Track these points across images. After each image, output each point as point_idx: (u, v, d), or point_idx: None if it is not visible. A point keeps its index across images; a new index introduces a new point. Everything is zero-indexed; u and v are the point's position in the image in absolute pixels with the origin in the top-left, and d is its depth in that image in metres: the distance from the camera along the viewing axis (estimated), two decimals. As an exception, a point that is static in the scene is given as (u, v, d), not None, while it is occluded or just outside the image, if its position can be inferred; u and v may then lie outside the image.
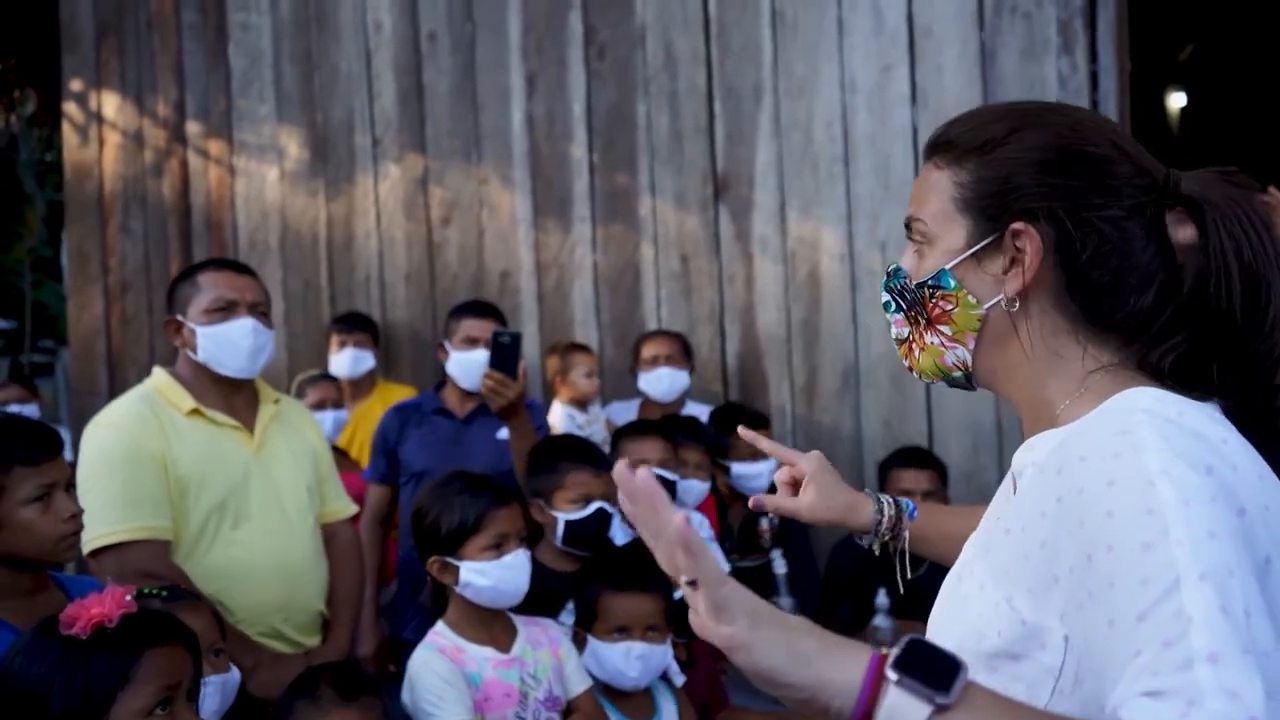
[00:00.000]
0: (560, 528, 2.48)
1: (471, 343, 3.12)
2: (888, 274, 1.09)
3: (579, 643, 2.25)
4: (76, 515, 1.84)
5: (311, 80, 4.61)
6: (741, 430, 1.51)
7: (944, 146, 1.04)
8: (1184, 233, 0.97)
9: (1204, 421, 0.90)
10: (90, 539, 2.27)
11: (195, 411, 2.43)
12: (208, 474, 2.38)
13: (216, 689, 1.87)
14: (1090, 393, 0.97)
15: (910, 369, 1.09)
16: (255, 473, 2.46)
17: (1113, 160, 0.97)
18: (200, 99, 4.81)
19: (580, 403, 3.65)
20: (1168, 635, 0.78)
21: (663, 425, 3.04)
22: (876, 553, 1.41)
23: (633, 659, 2.19)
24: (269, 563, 2.42)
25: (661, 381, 3.61)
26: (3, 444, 1.79)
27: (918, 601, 3.26)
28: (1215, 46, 7.13)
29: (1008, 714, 0.80)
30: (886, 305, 1.09)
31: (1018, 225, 0.97)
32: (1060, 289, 0.97)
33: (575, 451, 2.57)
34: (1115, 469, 0.85)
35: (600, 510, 2.49)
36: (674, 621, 2.34)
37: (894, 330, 1.09)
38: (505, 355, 2.73)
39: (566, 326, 4.21)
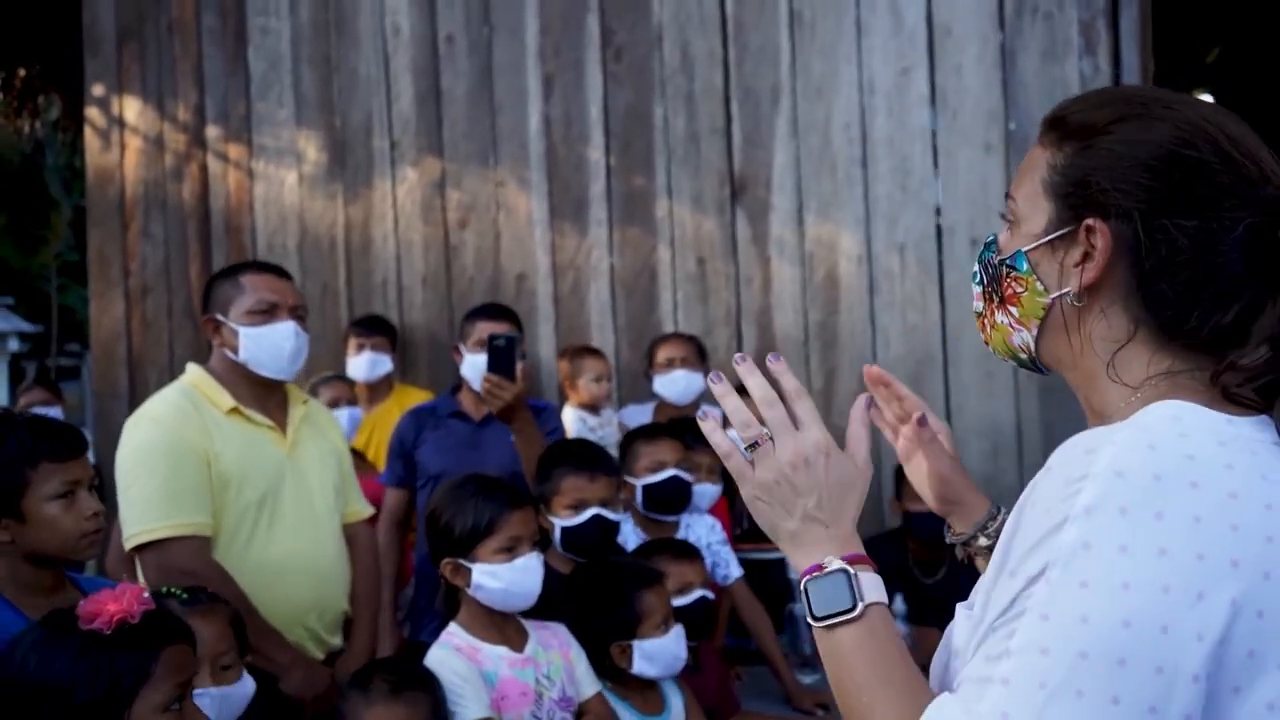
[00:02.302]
0: (557, 534, 2.47)
1: (485, 345, 3.11)
2: (985, 244, 1.07)
3: (622, 655, 2.23)
4: (98, 514, 1.87)
5: (330, 84, 4.63)
6: (868, 369, 1.30)
7: (1055, 125, 1.00)
8: None
9: (1212, 460, 0.85)
10: (132, 535, 2.31)
11: (234, 410, 2.46)
12: (247, 471, 2.41)
13: (216, 702, 1.84)
14: (1141, 399, 0.93)
15: (985, 343, 1.08)
16: (289, 473, 2.49)
17: (1212, 169, 0.91)
18: (220, 103, 4.83)
19: (591, 406, 3.63)
20: (983, 674, 0.83)
21: (675, 428, 3.02)
22: (960, 558, 1.31)
23: (683, 640, 2.26)
24: (302, 562, 2.46)
25: (677, 384, 3.59)
26: (31, 440, 1.82)
27: (933, 608, 3.22)
28: (1242, 48, 7.05)
29: (886, 652, 0.92)
30: (974, 275, 1.08)
31: (1091, 220, 0.94)
32: (1131, 291, 0.94)
33: (571, 457, 2.55)
34: (1054, 490, 0.84)
35: (597, 517, 2.46)
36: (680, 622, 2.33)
37: (974, 303, 1.08)
38: (502, 358, 2.74)
39: (583, 329, 4.20)
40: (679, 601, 2.44)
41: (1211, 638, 0.79)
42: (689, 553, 2.58)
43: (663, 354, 3.65)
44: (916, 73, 3.77)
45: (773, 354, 1.02)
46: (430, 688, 1.95)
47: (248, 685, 1.91)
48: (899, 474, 3.35)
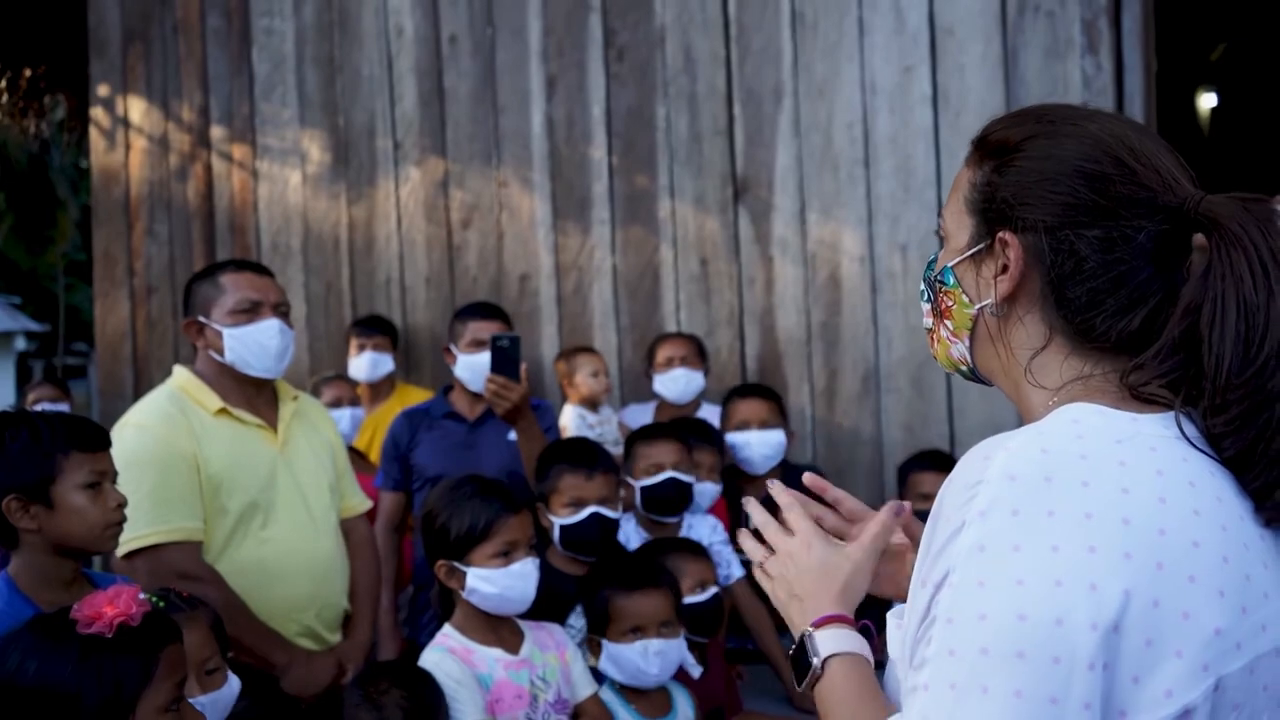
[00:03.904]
0: (555, 532, 2.47)
1: (479, 345, 3.12)
2: (928, 262, 1.12)
3: (594, 649, 2.24)
4: (123, 505, 1.90)
5: (333, 84, 4.64)
6: (808, 478, 1.31)
7: (978, 145, 1.05)
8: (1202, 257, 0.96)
9: (1106, 459, 0.87)
10: (124, 541, 2.28)
11: (222, 411, 2.45)
12: (237, 473, 2.40)
13: (206, 709, 1.84)
14: (1057, 404, 0.96)
15: (935, 358, 1.13)
16: (281, 471, 2.48)
17: (1111, 180, 0.95)
18: (224, 103, 4.84)
19: (590, 403, 3.64)
20: (913, 682, 0.87)
21: (676, 428, 3.02)
22: None
23: (651, 656, 2.19)
24: (298, 561, 2.45)
25: (677, 383, 3.60)
26: (62, 431, 1.87)
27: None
28: (1247, 46, 7.03)
29: (850, 696, 0.98)
30: (921, 293, 1.13)
31: (1004, 234, 0.99)
32: (1045, 300, 0.98)
33: (568, 455, 2.55)
34: (955, 498, 0.88)
35: (595, 515, 2.46)
36: (687, 622, 2.33)
37: (924, 319, 1.13)
38: (505, 359, 2.73)
39: (585, 329, 4.20)
40: (696, 598, 2.44)
41: (1104, 625, 0.81)
42: (701, 551, 2.60)
43: (663, 353, 3.65)
44: (919, 72, 3.76)
45: (771, 480, 1.20)
46: (440, 712, 1.96)
47: (234, 685, 1.91)
48: (901, 474, 3.36)
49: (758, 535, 1.16)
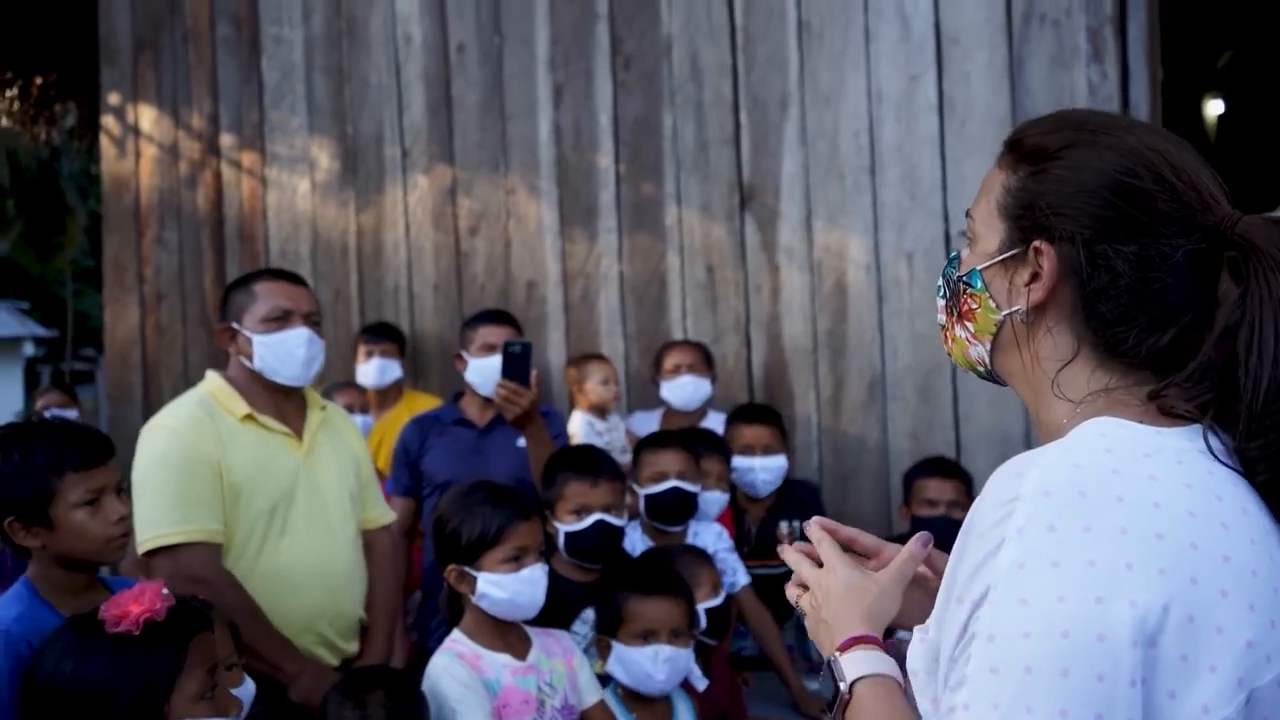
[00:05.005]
0: (561, 539, 2.48)
1: (490, 349, 3.14)
2: (949, 260, 1.11)
3: (603, 649, 2.25)
4: (125, 517, 1.91)
5: (342, 92, 4.66)
6: (816, 522, 1.31)
7: (1012, 147, 1.04)
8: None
9: (1136, 473, 0.88)
10: (144, 540, 2.33)
11: (249, 417, 2.48)
12: (259, 480, 2.43)
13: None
14: (1080, 415, 0.96)
15: (948, 355, 1.12)
16: (303, 479, 2.50)
17: (1153, 196, 0.94)
18: (234, 111, 4.88)
19: (599, 410, 3.65)
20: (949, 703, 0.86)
21: (684, 436, 3.03)
22: None
23: (660, 662, 2.20)
24: (313, 570, 2.46)
25: (683, 390, 3.61)
26: (56, 449, 1.86)
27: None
28: (1254, 53, 7.03)
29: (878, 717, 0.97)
30: (938, 289, 1.12)
31: (1039, 243, 0.98)
32: (1075, 312, 0.98)
33: (574, 462, 2.56)
34: (990, 515, 0.88)
35: (600, 523, 2.47)
36: (695, 629, 2.34)
37: (938, 315, 1.12)
38: (516, 364, 2.75)
39: (592, 336, 4.22)
40: (711, 603, 2.45)
41: (1144, 642, 0.82)
42: (708, 557, 2.61)
43: (670, 360, 3.67)
44: (925, 80, 3.78)
45: (811, 520, 1.19)
46: (424, 714, 1.97)
47: (250, 685, 1.94)
48: (907, 480, 3.36)
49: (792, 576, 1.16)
